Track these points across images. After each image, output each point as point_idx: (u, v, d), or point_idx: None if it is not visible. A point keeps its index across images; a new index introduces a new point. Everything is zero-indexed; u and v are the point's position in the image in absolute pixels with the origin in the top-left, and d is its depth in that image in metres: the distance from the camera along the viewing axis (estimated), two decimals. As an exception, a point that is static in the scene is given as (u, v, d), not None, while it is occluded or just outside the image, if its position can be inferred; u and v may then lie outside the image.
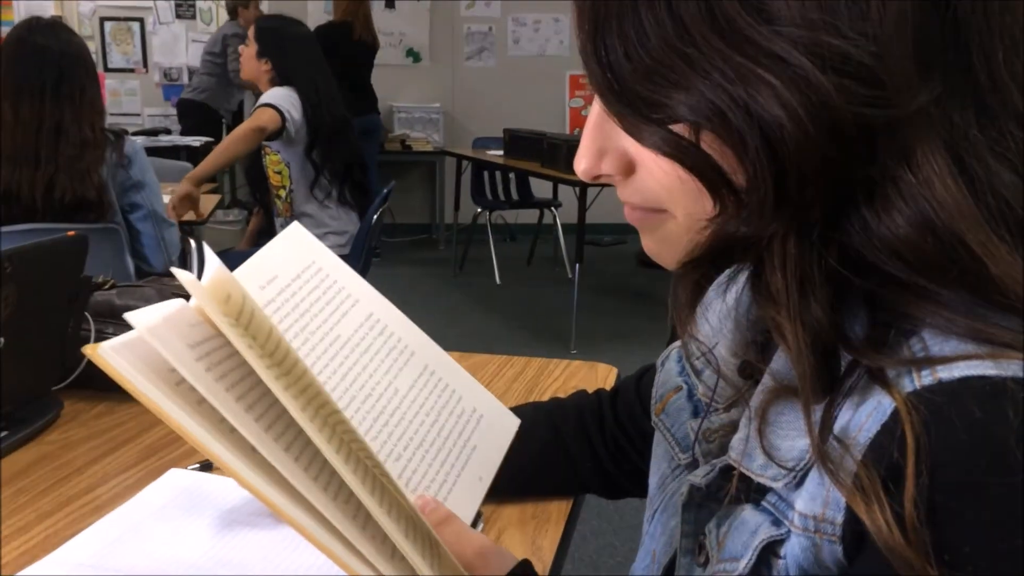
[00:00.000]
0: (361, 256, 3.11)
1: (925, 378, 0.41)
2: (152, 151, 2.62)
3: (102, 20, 6.41)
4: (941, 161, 0.42)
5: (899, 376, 0.42)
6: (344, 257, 2.93)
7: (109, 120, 2.26)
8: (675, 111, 0.44)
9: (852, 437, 0.43)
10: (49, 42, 2.08)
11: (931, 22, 0.42)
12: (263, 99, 2.92)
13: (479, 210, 5.44)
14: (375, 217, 3.11)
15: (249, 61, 2.99)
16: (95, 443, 1.01)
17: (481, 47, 6.55)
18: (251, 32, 2.99)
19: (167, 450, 0.99)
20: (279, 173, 3.05)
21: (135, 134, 5.37)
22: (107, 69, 6.34)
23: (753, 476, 0.50)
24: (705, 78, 0.43)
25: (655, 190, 0.50)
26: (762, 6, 0.42)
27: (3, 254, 0.91)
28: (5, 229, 2.04)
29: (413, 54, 6.54)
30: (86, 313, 1.11)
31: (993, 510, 0.38)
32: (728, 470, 0.53)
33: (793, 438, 0.48)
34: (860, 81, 0.41)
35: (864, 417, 0.43)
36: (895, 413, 0.41)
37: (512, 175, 5.53)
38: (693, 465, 0.62)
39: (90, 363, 1.10)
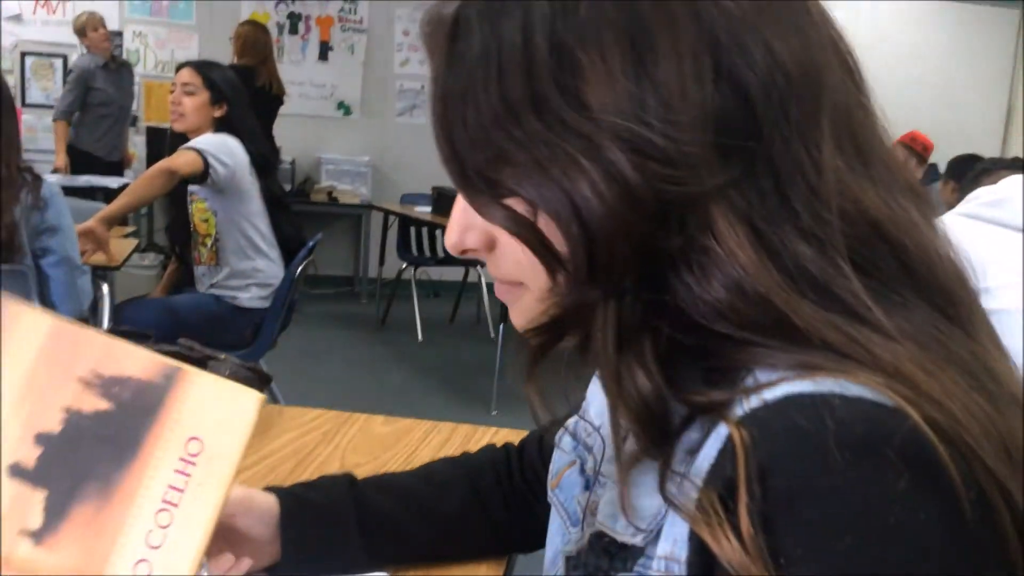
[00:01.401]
0: (282, 309, 3.04)
1: (753, 401, 0.45)
2: (68, 191, 2.51)
3: (23, 55, 6.24)
4: (742, 234, 0.47)
5: (732, 406, 0.46)
6: (264, 310, 2.81)
7: (25, 157, 2.17)
8: (507, 189, 0.50)
9: (698, 468, 0.47)
10: (-34, 75, 2.00)
11: (732, 116, 0.48)
12: (191, 143, 2.82)
13: (404, 265, 5.40)
14: (299, 270, 3.05)
15: (200, 109, 2.85)
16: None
17: (413, 104, 6.57)
18: (194, 80, 2.86)
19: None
20: (206, 221, 2.96)
21: (53, 171, 5.21)
22: (25, 104, 6.15)
23: (617, 536, 0.54)
24: (528, 158, 0.49)
25: (510, 264, 0.55)
26: (579, 94, 0.48)
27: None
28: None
29: (344, 107, 6.53)
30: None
31: (820, 510, 0.41)
32: (600, 537, 0.56)
33: (651, 495, 0.51)
34: (659, 162, 0.47)
35: (708, 449, 0.47)
36: (729, 436, 0.45)
37: (439, 232, 5.52)
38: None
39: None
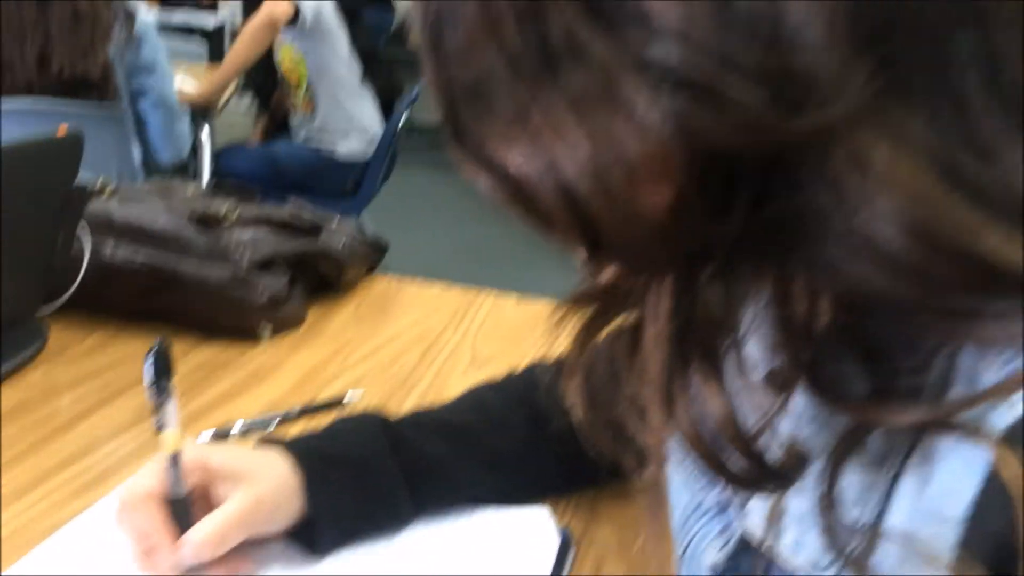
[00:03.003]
0: (384, 160, 2.91)
1: (1017, 406, 0.30)
2: (163, 29, 2.40)
3: None
4: (911, 163, 0.30)
5: (983, 414, 0.31)
6: (365, 162, 2.68)
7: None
8: (483, 133, 0.34)
9: (935, 511, 0.32)
10: None
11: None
12: None
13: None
14: (403, 118, 2.89)
15: None
16: (84, 389, 0.82)
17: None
18: None
19: (173, 406, 0.81)
20: (295, 67, 2.81)
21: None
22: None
23: (779, 558, 0.38)
24: (508, 90, 0.32)
25: None
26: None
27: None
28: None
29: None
30: (82, 223, 0.92)
31: None
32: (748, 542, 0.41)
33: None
34: (741, 91, 0.29)
35: (950, 480, 0.32)
36: (992, 466, 0.30)
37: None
38: (724, 506, 0.47)
39: (82, 284, 0.90)
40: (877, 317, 0.33)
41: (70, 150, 0.82)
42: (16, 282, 0.87)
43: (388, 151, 2.91)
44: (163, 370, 0.56)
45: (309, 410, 0.81)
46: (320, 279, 1.05)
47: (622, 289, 0.39)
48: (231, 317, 0.93)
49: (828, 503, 0.34)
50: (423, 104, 5.63)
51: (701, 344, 0.34)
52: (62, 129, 0.79)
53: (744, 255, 0.33)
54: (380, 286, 1.15)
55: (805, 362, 0.34)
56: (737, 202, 0.31)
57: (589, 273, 0.39)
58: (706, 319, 0.34)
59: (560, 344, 0.47)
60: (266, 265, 0.95)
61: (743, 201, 0.31)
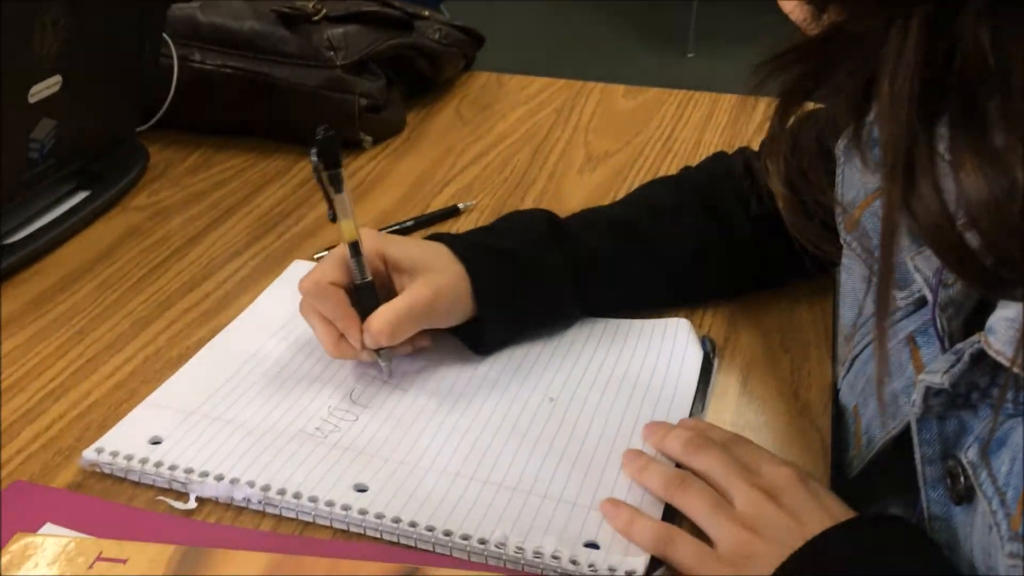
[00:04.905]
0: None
1: None
2: None
3: None
4: None
5: None
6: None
7: None
8: None
9: None
10: None
11: None
12: None
13: None
14: None
15: None
16: (193, 211, 0.80)
17: None
18: None
19: (284, 224, 0.78)
20: None
21: None
22: None
23: None
24: None
25: None
26: None
27: (42, -39, 0.65)
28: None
29: None
30: (164, 35, 0.86)
31: None
32: (982, 357, 0.36)
33: None
34: None
35: None
36: None
37: None
38: (918, 304, 0.43)
39: (175, 98, 0.86)
40: None
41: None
42: (109, 98, 0.83)
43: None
44: (332, 160, 0.54)
45: (423, 221, 0.77)
46: (417, 78, 0.99)
47: (845, 38, 0.31)
48: (331, 123, 0.87)
49: None
50: None
51: (958, 102, 0.28)
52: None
53: None
54: (479, 83, 1.07)
55: None
56: None
57: (804, 18, 0.32)
58: (968, 69, 0.27)
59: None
60: (361, 66, 0.88)
61: None
